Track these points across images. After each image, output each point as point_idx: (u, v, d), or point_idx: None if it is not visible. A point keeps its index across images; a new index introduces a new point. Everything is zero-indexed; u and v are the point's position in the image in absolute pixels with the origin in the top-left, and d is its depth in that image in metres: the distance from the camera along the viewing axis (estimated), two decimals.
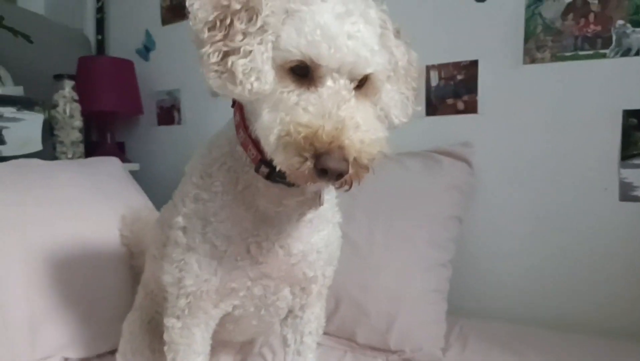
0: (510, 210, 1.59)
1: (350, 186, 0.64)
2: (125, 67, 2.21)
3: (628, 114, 1.40)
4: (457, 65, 1.65)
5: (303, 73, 0.65)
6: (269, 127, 0.63)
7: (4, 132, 1.58)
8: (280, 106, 0.64)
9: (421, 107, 0.82)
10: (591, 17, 1.43)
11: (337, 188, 0.65)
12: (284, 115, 0.62)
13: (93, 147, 2.22)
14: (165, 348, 0.89)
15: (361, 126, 0.62)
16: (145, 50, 2.35)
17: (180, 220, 0.81)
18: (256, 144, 0.72)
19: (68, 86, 1.93)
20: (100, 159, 1.74)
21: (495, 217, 1.62)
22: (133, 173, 1.89)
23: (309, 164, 0.59)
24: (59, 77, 1.93)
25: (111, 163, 1.72)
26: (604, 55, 1.42)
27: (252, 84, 0.63)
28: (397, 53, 0.74)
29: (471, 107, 1.63)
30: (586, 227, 1.48)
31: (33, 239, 1.26)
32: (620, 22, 1.39)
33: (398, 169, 1.57)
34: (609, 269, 1.45)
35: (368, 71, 0.66)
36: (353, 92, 0.66)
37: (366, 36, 0.65)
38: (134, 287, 1.23)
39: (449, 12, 1.65)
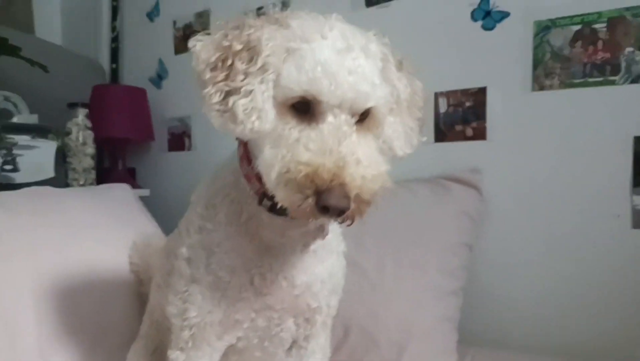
0: (520, 237, 1.57)
1: (353, 221, 0.63)
2: (138, 95, 2.25)
3: (639, 140, 1.39)
4: (465, 92, 1.65)
5: (304, 109, 0.65)
6: (270, 163, 0.63)
7: (17, 159, 1.61)
8: (282, 142, 0.64)
9: (426, 138, 0.82)
10: (599, 44, 1.43)
11: (339, 223, 0.65)
12: (285, 152, 0.62)
13: (105, 173, 2.24)
14: None
15: (362, 162, 0.62)
16: (158, 78, 2.40)
17: (184, 251, 0.82)
18: (259, 177, 0.72)
19: (82, 113, 1.96)
20: (110, 186, 1.76)
21: (505, 244, 1.59)
22: (143, 199, 1.90)
23: (311, 201, 0.59)
24: (72, 106, 1.97)
25: (121, 190, 1.74)
26: (613, 82, 1.41)
27: (253, 124, 0.64)
28: (399, 85, 0.74)
29: (480, 134, 1.63)
30: (598, 255, 1.45)
31: (44, 265, 1.27)
32: (629, 49, 1.39)
33: (407, 196, 1.57)
34: (621, 297, 1.42)
35: (369, 105, 0.67)
36: (354, 126, 0.66)
37: (367, 71, 0.66)
38: (141, 315, 1.23)
39: (458, 40, 1.66)
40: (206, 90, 0.65)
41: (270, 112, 0.65)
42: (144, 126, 2.26)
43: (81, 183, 1.95)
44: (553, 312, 1.52)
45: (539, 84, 1.52)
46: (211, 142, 2.22)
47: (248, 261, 0.79)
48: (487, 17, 1.60)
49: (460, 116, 1.66)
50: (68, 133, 1.93)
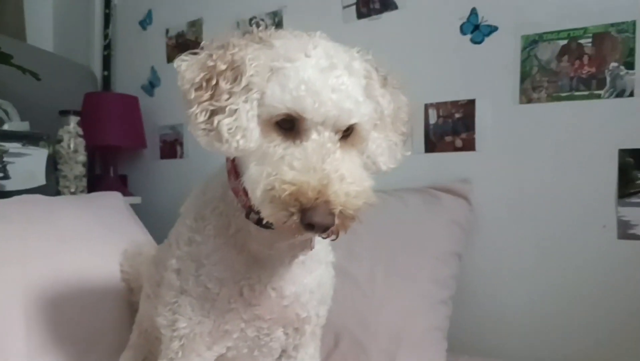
0: (509, 247, 1.58)
1: (337, 236, 0.64)
2: (129, 103, 2.25)
3: (624, 153, 1.41)
4: (455, 103, 1.67)
5: (289, 127, 0.66)
6: (256, 180, 0.64)
7: (8, 167, 1.61)
8: (267, 160, 0.65)
9: (410, 152, 0.83)
10: (585, 59, 1.46)
11: (324, 238, 0.66)
12: (270, 170, 0.63)
13: (96, 180, 2.24)
14: None
15: (346, 178, 0.63)
16: (151, 86, 2.40)
17: (174, 263, 0.82)
18: (246, 191, 0.72)
19: (73, 121, 1.96)
20: (102, 194, 1.76)
21: (493, 254, 1.61)
22: (134, 206, 1.90)
23: (295, 218, 0.60)
24: (64, 113, 1.97)
25: (113, 198, 1.74)
26: (598, 96, 1.44)
27: (238, 142, 0.65)
28: (382, 102, 0.75)
29: (469, 145, 1.65)
30: (585, 265, 1.47)
31: (34, 273, 1.27)
32: (614, 64, 1.42)
33: (398, 206, 1.58)
34: (609, 307, 1.44)
35: (352, 121, 0.67)
36: (338, 143, 0.67)
37: (350, 88, 0.66)
38: (132, 324, 1.23)
39: (448, 53, 1.68)
40: (191, 110, 0.66)
41: (254, 131, 0.66)
42: (136, 133, 2.26)
43: (72, 190, 1.94)
44: (542, 321, 1.54)
45: (526, 97, 1.55)
46: (203, 150, 2.18)
47: (237, 273, 0.80)
48: (476, 30, 1.63)
49: (450, 127, 1.68)
50: (59, 141, 1.93)
